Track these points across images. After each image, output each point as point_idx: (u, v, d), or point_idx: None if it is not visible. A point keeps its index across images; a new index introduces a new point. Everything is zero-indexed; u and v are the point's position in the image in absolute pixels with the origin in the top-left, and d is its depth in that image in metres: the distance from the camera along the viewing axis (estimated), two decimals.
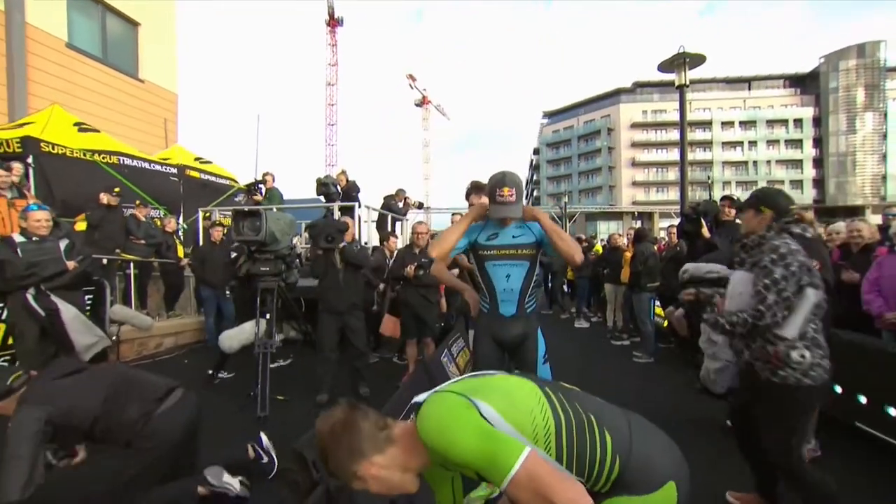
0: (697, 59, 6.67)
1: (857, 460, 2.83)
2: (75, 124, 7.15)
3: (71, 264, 3.52)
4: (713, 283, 2.51)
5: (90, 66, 8.83)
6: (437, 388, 1.14)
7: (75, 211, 6.03)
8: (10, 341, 3.88)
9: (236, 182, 9.51)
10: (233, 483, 2.29)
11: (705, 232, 3.97)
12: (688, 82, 6.70)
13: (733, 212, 4.06)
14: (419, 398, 1.10)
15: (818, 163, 47.88)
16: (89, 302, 4.44)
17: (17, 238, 3.44)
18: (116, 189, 5.92)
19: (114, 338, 4.60)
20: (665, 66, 6.87)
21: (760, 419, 1.96)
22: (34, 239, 3.43)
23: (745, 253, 2.05)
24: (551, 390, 1.11)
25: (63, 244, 3.56)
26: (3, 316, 3.96)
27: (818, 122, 47.78)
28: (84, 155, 6.71)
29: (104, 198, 5.78)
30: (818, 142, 47.84)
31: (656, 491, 1.03)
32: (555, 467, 0.92)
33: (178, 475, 2.23)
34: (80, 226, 5.87)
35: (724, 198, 4.23)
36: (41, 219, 3.47)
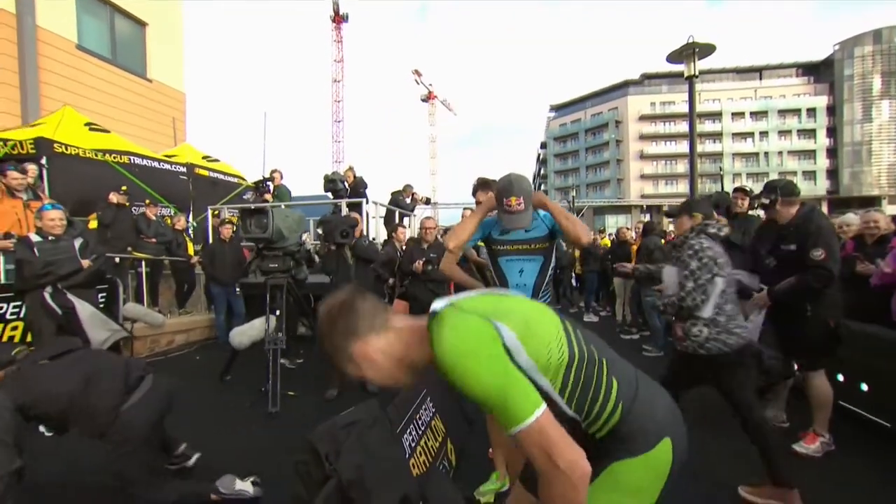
0: (707, 49, 6.55)
1: (869, 454, 2.80)
2: (86, 124, 7.25)
3: (85, 263, 3.58)
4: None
5: (100, 66, 8.93)
6: (456, 298, 1.10)
7: (88, 210, 6.13)
8: (29, 338, 3.98)
9: (244, 180, 9.59)
10: (245, 488, 2.32)
11: None
12: (697, 73, 6.59)
13: (746, 203, 3.96)
14: (436, 305, 1.06)
15: (832, 153, 46.93)
16: (102, 300, 4.53)
17: (34, 238, 3.52)
18: (124, 188, 6.00)
19: (126, 335, 4.67)
20: (674, 57, 6.76)
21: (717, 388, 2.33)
22: (50, 238, 3.50)
23: (674, 251, 2.49)
24: (571, 325, 1.10)
25: (77, 243, 3.63)
26: (22, 314, 4.05)
27: (832, 110, 46.78)
28: (96, 155, 6.80)
29: (114, 197, 5.87)
30: (832, 131, 46.86)
31: (652, 449, 1.02)
32: (562, 430, 0.92)
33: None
34: (92, 224, 5.97)
35: (736, 189, 4.12)
36: (55, 218, 3.54)
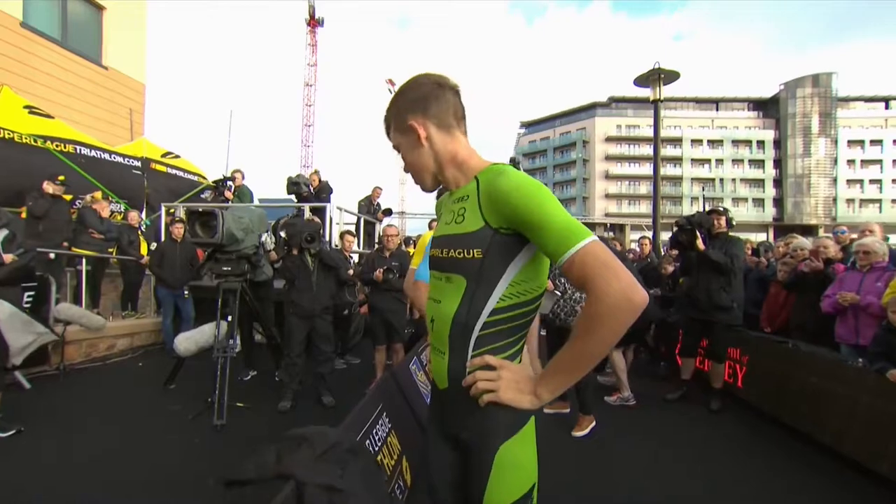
0: (672, 76, 6.86)
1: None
2: (26, 107, 6.67)
3: (8, 257, 3.21)
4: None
5: (47, 48, 8.30)
6: None
7: (22, 200, 5.59)
8: None
9: (205, 178, 9.14)
10: None
11: (700, 244, 3.92)
12: (662, 97, 6.88)
13: (724, 222, 4.08)
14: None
15: (778, 183, 50.49)
16: (30, 299, 4.10)
17: None
18: (61, 177, 5.50)
19: (55, 339, 4.23)
20: (641, 81, 7.04)
21: None
22: None
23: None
24: None
25: (1, 235, 3.26)
26: None
27: (778, 144, 50.46)
28: (34, 141, 6.26)
29: (49, 187, 5.38)
30: (778, 163, 50.49)
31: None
32: None
33: None
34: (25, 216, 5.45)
35: (711, 211, 4.21)
36: None
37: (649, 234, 6.93)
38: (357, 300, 5.42)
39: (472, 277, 0.96)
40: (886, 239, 4.04)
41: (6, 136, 5.92)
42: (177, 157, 9.08)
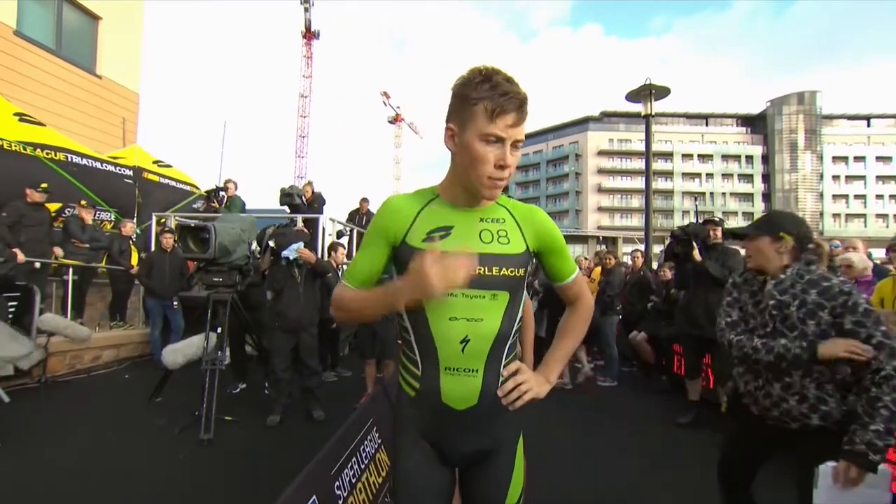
0: (663, 91, 6.99)
1: None
2: (16, 114, 6.61)
3: None
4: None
5: (40, 56, 8.26)
6: None
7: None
8: None
9: (197, 188, 9.08)
10: None
11: (696, 255, 3.85)
12: (653, 112, 6.99)
13: (719, 232, 3.98)
14: None
15: (766, 197, 51.40)
16: (12, 310, 4.00)
17: None
18: (44, 185, 5.42)
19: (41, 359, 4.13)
20: (632, 96, 7.16)
21: None
22: None
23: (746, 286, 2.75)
24: None
25: None
26: None
27: (766, 159, 51.49)
28: (24, 149, 6.19)
29: (34, 195, 5.29)
30: (766, 177, 51.46)
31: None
32: None
33: None
34: None
35: (706, 221, 4.13)
36: None
37: (642, 247, 6.97)
38: None
39: (513, 293, 1.06)
40: (870, 254, 4.08)
41: None
42: (168, 165, 9.03)
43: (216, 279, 3.74)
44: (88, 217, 6.05)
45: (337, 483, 1.87)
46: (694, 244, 3.93)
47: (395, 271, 1.13)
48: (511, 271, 1.04)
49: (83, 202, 6.12)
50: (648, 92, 6.89)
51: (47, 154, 6.49)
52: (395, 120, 53.22)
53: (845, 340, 1.47)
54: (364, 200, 8.44)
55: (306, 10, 40.02)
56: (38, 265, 5.04)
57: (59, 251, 5.15)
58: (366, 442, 2.24)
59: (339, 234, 8.19)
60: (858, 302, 1.49)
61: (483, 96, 0.94)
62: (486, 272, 1.01)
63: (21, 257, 4.69)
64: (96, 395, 4.51)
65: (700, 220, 4.29)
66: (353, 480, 1.98)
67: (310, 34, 41.34)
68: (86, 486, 2.63)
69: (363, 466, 2.10)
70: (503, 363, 1.06)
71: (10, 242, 4.76)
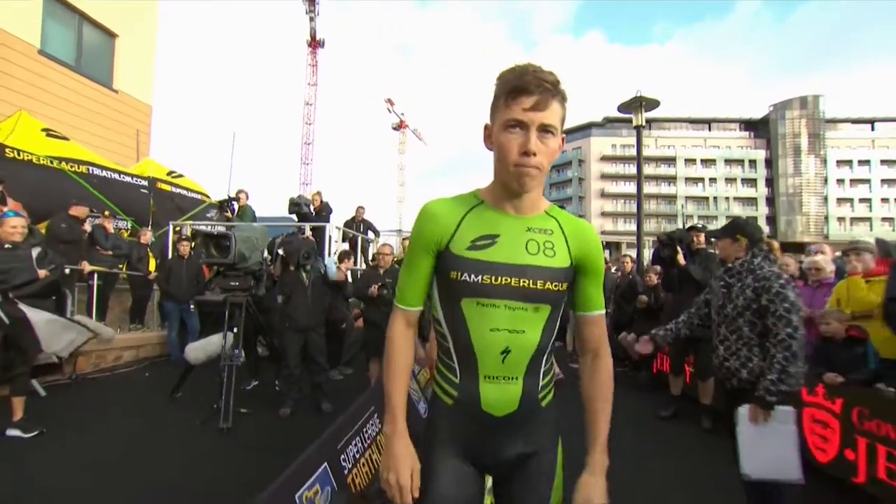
0: (652, 103, 7.31)
1: None
2: (43, 130, 7.05)
3: (42, 273, 3.50)
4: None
5: (62, 73, 8.74)
6: None
7: (38, 218, 5.91)
8: None
9: (208, 197, 9.47)
10: None
11: (681, 259, 4.04)
12: (644, 123, 7.31)
13: (703, 238, 4.20)
14: None
15: (770, 201, 51.28)
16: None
17: None
18: (105, 213, 6.13)
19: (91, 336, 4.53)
20: (624, 108, 7.48)
21: None
22: (6, 246, 3.41)
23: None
24: None
25: (35, 252, 3.55)
26: None
27: (770, 163, 51.44)
28: (51, 162, 6.61)
29: (77, 210, 5.72)
30: (770, 182, 51.38)
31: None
32: None
33: None
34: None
35: (690, 228, 4.35)
36: (16, 225, 3.46)
37: (631, 252, 7.27)
38: (352, 314, 5.70)
39: (555, 306, 1.05)
40: (840, 257, 4.34)
41: (25, 158, 6.28)
42: (180, 175, 9.43)
43: (233, 283, 4.10)
44: (110, 226, 6.45)
45: (343, 456, 2.20)
46: (679, 249, 4.18)
47: (436, 279, 1.09)
48: (555, 285, 1.02)
49: (106, 213, 6.53)
50: (639, 104, 7.21)
51: (71, 167, 6.92)
52: (400, 126, 53.78)
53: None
54: (360, 208, 8.76)
55: (311, 19, 40.70)
56: (67, 271, 5.43)
57: (86, 266, 5.58)
58: (368, 425, 2.56)
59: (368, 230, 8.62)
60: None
61: (502, 84, 0.94)
62: (531, 285, 0.99)
63: (87, 267, 5.35)
64: (122, 391, 4.87)
65: (686, 226, 4.52)
66: (357, 456, 2.31)
67: (315, 43, 42.05)
68: (120, 469, 2.97)
69: (366, 445, 2.43)
70: (542, 370, 1.08)
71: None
